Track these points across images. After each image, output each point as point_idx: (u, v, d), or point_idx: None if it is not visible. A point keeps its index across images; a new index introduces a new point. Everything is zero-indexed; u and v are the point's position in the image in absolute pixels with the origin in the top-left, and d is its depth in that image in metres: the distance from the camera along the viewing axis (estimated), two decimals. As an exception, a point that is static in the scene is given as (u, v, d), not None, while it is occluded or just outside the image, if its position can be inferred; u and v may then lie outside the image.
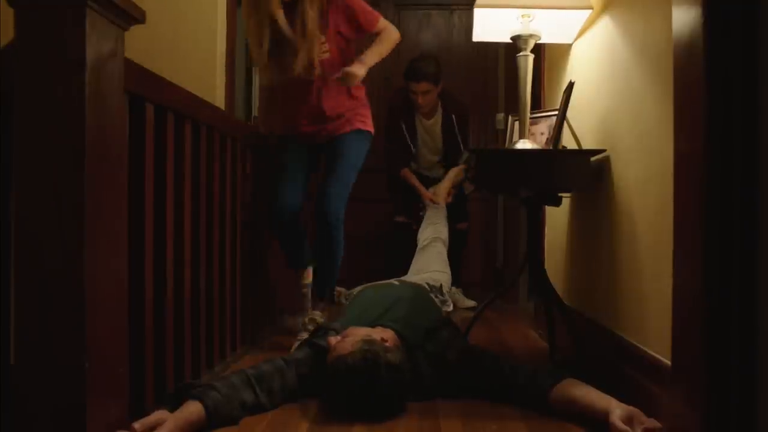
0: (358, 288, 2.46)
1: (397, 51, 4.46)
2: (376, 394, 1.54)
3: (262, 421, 1.57)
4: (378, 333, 1.70)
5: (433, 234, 2.99)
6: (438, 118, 3.54)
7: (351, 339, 1.64)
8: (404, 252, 3.08)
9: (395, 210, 3.68)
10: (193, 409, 1.44)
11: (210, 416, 1.45)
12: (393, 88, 4.17)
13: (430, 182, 3.53)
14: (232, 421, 1.51)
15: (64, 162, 1.09)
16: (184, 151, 1.75)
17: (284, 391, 1.66)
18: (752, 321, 1.11)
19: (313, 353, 1.75)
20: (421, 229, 3.12)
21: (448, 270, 2.82)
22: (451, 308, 2.61)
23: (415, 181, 3.53)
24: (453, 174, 3.40)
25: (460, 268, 3.64)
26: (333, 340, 1.68)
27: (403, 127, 3.53)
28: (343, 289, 2.74)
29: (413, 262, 2.88)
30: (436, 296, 2.45)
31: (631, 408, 1.42)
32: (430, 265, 2.77)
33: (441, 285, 2.57)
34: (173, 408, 1.44)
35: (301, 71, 2.31)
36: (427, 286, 2.46)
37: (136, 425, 1.30)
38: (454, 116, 3.49)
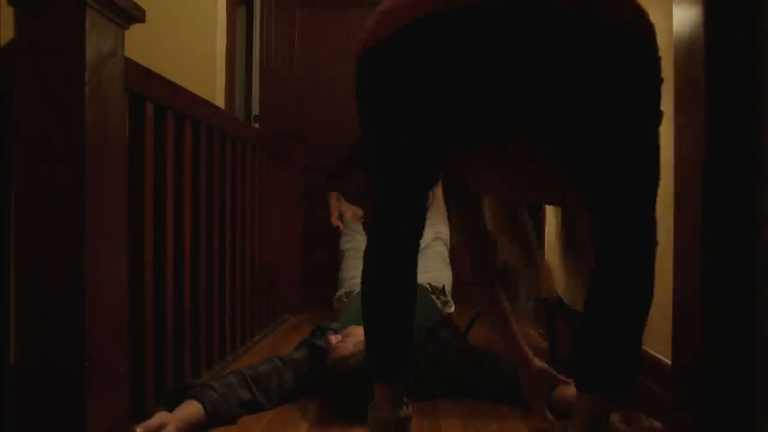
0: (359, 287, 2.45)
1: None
2: None
3: (261, 421, 1.57)
4: None
5: (433, 235, 2.95)
6: None
7: (352, 339, 1.64)
8: None
9: None
10: (192, 409, 1.45)
11: (209, 416, 1.46)
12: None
13: None
14: (231, 420, 1.52)
15: (64, 162, 1.09)
16: (184, 150, 1.75)
17: (282, 390, 1.67)
18: (752, 321, 1.11)
19: (310, 353, 1.76)
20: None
21: (449, 271, 2.80)
22: (452, 309, 2.60)
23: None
24: None
25: None
26: (333, 339, 1.69)
27: None
28: (342, 292, 2.73)
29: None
30: (438, 297, 2.44)
31: None
32: (432, 265, 2.75)
33: (444, 286, 2.56)
34: (171, 407, 1.44)
35: None
36: (428, 287, 2.46)
37: (139, 429, 1.30)
38: None
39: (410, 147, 1.11)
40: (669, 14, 1.28)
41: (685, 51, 1.19)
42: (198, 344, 1.86)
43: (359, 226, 3.30)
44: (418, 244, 1.23)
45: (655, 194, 1.07)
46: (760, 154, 1.11)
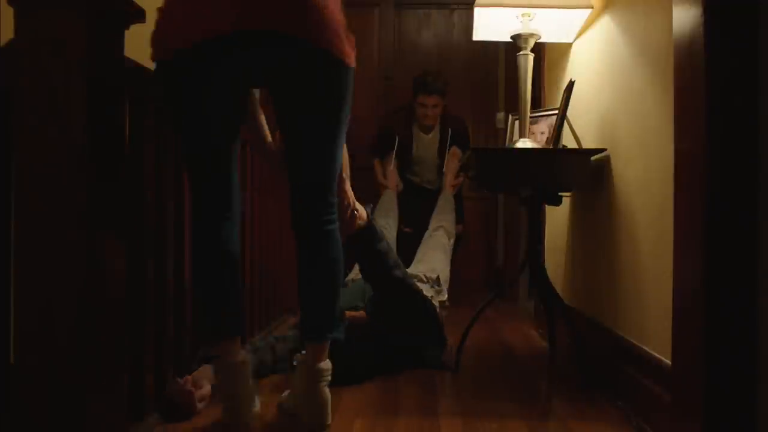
0: (350, 276, 2.61)
1: (398, 50, 4.49)
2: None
3: (262, 420, 1.57)
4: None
5: (436, 223, 3.06)
6: (436, 133, 3.59)
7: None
8: (409, 261, 3.03)
9: (403, 221, 3.54)
10: (211, 373, 1.70)
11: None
12: (393, 88, 4.18)
13: (433, 194, 3.52)
14: None
15: (64, 162, 1.09)
16: (184, 150, 1.74)
17: (274, 362, 2.00)
18: (753, 320, 1.11)
19: (299, 333, 2.04)
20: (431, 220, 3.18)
21: (447, 261, 2.85)
22: (445, 297, 2.66)
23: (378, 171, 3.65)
24: (450, 158, 3.42)
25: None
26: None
27: (396, 139, 3.58)
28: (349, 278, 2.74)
29: (417, 252, 2.94)
30: (432, 286, 2.53)
31: None
32: (432, 255, 2.82)
33: (438, 276, 2.65)
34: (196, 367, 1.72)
35: None
36: (423, 277, 2.54)
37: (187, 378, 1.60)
38: (450, 130, 3.55)
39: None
40: (669, 14, 1.28)
41: (685, 51, 1.19)
42: (199, 344, 1.86)
43: (393, 205, 3.35)
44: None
45: None
46: (760, 154, 1.11)
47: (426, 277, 2.60)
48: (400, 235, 3.45)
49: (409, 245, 3.30)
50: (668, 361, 1.37)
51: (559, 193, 2.15)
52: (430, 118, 3.52)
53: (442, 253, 2.87)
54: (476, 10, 2.13)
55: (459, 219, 3.54)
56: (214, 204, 1.49)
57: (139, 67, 1.42)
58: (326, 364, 1.51)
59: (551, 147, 2.09)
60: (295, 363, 1.57)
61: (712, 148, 1.12)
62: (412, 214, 3.52)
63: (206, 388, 1.66)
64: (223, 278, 1.49)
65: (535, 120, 2.29)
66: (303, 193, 1.52)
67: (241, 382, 1.46)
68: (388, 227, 3.15)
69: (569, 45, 2.42)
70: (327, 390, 1.50)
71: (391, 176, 3.56)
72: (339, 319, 1.55)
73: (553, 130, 2.11)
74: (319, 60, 1.37)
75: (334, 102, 1.43)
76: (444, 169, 3.49)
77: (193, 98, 1.39)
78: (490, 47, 4.22)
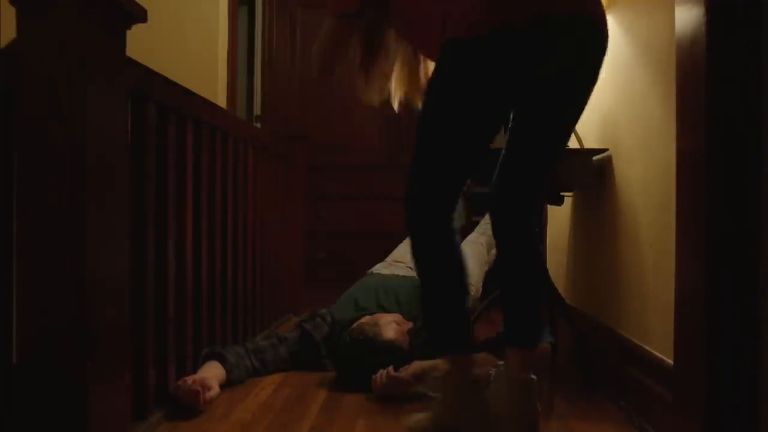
0: (377, 266, 2.62)
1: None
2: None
3: (265, 419, 1.57)
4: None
5: (482, 225, 2.88)
6: None
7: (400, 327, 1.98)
8: None
9: (473, 209, 3.30)
10: (219, 370, 1.79)
11: (228, 376, 1.83)
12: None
13: None
14: (240, 381, 1.89)
15: (65, 162, 1.09)
16: (186, 150, 1.75)
17: (276, 362, 2.05)
18: (755, 320, 1.11)
19: (301, 334, 2.12)
20: None
21: (478, 270, 2.71)
22: None
23: None
24: None
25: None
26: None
27: None
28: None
29: None
30: None
31: None
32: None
33: None
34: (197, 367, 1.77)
35: None
36: None
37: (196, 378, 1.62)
38: None
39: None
40: (671, 14, 1.28)
41: (687, 51, 1.19)
42: (200, 344, 1.86)
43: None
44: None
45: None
46: (762, 154, 1.10)
47: None
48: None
49: None
50: (670, 361, 1.37)
51: (561, 193, 2.15)
52: None
53: (476, 261, 2.65)
54: (478, 10, 2.12)
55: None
56: (447, 209, 1.39)
57: (141, 67, 1.42)
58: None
59: (553, 147, 2.08)
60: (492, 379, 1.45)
61: (713, 148, 1.12)
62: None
63: (215, 390, 1.68)
64: (460, 286, 1.40)
65: (536, 120, 2.29)
66: (517, 191, 1.40)
67: (482, 400, 1.36)
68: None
69: (571, 44, 2.41)
70: (538, 404, 1.36)
71: None
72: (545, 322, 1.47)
73: (555, 129, 2.11)
74: (602, 49, 1.33)
75: (588, 96, 1.38)
76: None
77: (485, 85, 1.30)
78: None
